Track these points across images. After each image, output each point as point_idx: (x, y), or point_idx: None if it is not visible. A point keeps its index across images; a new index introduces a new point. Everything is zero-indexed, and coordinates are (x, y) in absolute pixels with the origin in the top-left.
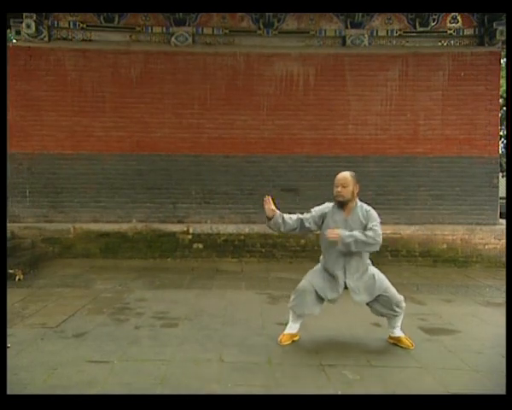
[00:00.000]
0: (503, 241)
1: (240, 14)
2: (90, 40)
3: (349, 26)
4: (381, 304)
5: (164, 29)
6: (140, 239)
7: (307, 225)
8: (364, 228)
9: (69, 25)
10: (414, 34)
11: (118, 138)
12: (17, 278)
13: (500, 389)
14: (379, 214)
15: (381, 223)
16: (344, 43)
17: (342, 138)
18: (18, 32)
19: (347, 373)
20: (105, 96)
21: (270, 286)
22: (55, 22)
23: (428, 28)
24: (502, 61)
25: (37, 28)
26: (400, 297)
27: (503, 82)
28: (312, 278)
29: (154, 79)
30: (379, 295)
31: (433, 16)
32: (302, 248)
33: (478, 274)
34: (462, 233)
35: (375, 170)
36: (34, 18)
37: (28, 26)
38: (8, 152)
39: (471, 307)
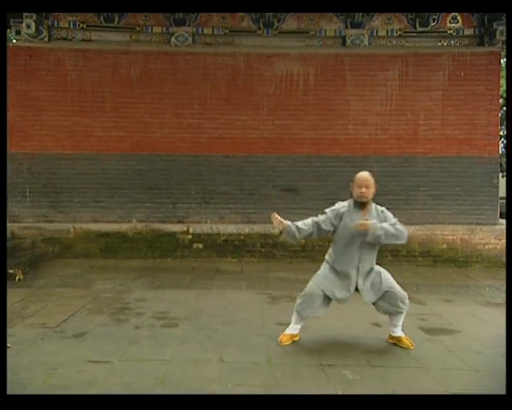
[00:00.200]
0: (503, 241)
1: (240, 14)
2: (90, 40)
3: (349, 26)
4: (386, 301)
5: (164, 29)
6: (140, 239)
7: (324, 227)
8: None
9: (69, 25)
10: (414, 34)
11: (118, 138)
12: (17, 278)
13: (500, 389)
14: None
15: None
16: (344, 43)
17: (342, 138)
18: (18, 32)
19: (347, 373)
20: (105, 96)
21: (270, 286)
22: (55, 22)
23: (428, 28)
24: (502, 61)
25: (37, 28)
26: (404, 293)
27: (503, 82)
28: (321, 279)
29: (154, 79)
30: (385, 292)
31: (433, 16)
32: (302, 249)
33: (478, 274)
34: (462, 233)
35: (375, 170)
36: (34, 18)
37: (28, 26)
38: (8, 152)
39: (471, 307)
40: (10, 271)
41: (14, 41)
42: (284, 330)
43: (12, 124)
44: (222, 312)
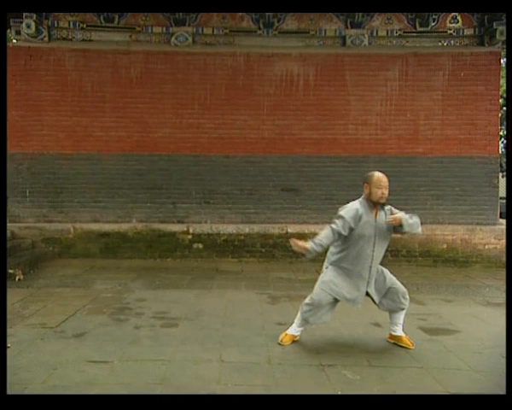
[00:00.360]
0: (503, 241)
1: (240, 14)
2: (90, 40)
3: (349, 26)
4: (389, 298)
5: (164, 29)
6: (140, 239)
7: (343, 232)
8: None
9: (69, 25)
10: (414, 34)
11: (118, 138)
12: (17, 278)
13: (500, 389)
14: None
15: None
16: (344, 43)
17: (342, 138)
18: (18, 32)
19: (347, 373)
20: (105, 96)
21: (270, 286)
22: (55, 22)
23: (428, 28)
24: (502, 61)
25: (37, 28)
26: (405, 289)
27: (503, 82)
28: (329, 285)
29: (154, 79)
30: (389, 288)
31: (433, 16)
32: None
33: (478, 274)
34: (462, 233)
35: (376, 170)
36: (34, 18)
37: (28, 26)
38: (8, 152)
39: (471, 307)
40: (10, 271)
41: (14, 41)
42: (284, 329)
43: (12, 124)
44: (222, 312)
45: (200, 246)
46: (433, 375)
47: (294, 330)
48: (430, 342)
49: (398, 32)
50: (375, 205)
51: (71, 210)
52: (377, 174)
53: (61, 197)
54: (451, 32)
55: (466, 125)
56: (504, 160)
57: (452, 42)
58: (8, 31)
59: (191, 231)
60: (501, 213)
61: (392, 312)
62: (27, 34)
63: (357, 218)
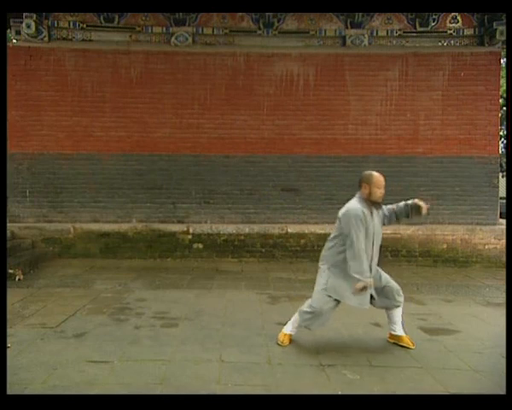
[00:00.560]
0: (503, 241)
1: (240, 14)
2: (90, 40)
3: (349, 26)
4: (384, 296)
5: (164, 29)
6: (140, 239)
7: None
8: (383, 220)
9: (69, 25)
10: (414, 34)
11: (118, 138)
12: (17, 278)
13: (500, 389)
14: None
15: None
16: (344, 43)
17: (342, 138)
18: (18, 32)
19: (347, 373)
20: (105, 96)
21: (270, 286)
22: (55, 22)
23: (428, 28)
24: (502, 61)
25: (37, 28)
26: (398, 286)
27: (503, 82)
28: (336, 290)
29: (154, 79)
30: (383, 287)
31: (433, 16)
32: (302, 248)
33: (478, 274)
34: (462, 233)
35: (375, 170)
36: (34, 18)
37: (28, 26)
38: (8, 152)
39: (471, 307)
40: (10, 271)
41: (14, 41)
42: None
43: (12, 124)
44: (222, 312)
45: (200, 246)
46: (433, 375)
47: (291, 330)
48: (430, 342)
49: (398, 32)
50: (372, 204)
51: (71, 210)
52: (376, 174)
53: (60, 197)
54: (451, 32)
55: (466, 125)
56: (504, 160)
57: (452, 42)
58: (8, 31)
59: (191, 231)
60: (501, 213)
61: (388, 309)
62: (27, 34)
63: (364, 218)
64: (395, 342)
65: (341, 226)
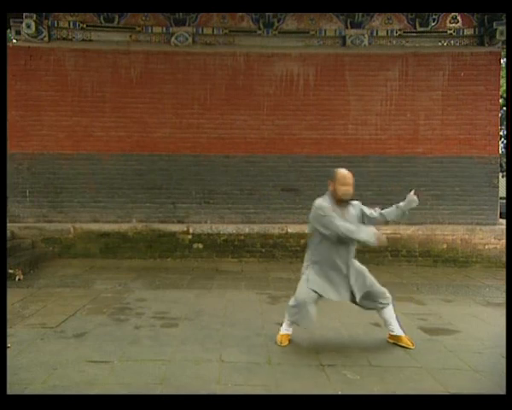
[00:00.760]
0: (503, 241)
1: (240, 14)
2: (90, 40)
3: (349, 26)
4: (370, 299)
5: (164, 29)
6: (140, 239)
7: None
8: (361, 219)
9: (69, 25)
10: (414, 34)
11: (118, 138)
12: (17, 278)
13: (500, 389)
14: None
15: None
16: (344, 43)
17: (342, 138)
18: (18, 32)
19: (347, 373)
20: (105, 96)
21: (270, 286)
22: (55, 22)
23: (428, 28)
24: (502, 61)
25: (37, 28)
26: (383, 289)
27: (503, 82)
28: (316, 283)
29: (154, 79)
30: (368, 292)
31: (433, 16)
32: (302, 248)
33: (478, 274)
34: (462, 233)
35: (375, 170)
36: (34, 18)
37: (28, 26)
38: (8, 152)
39: (471, 307)
40: (10, 271)
41: (14, 41)
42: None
43: (12, 124)
44: (222, 312)
45: (200, 246)
46: (432, 375)
47: (286, 329)
48: (430, 342)
49: (398, 32)
50: (340, 201)
51: (71, 210)
52: (341, 171)
53: (60, 197)
54: (451, 32)
55: (466, 125)
56: (504, 160)
57: (452, 42)
58: (8, 31)
59: (191, 231)
60: (501, 213)
61: (377, 311)
62: (27, 34)
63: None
64: (395, 342)
65: (311, 224)
